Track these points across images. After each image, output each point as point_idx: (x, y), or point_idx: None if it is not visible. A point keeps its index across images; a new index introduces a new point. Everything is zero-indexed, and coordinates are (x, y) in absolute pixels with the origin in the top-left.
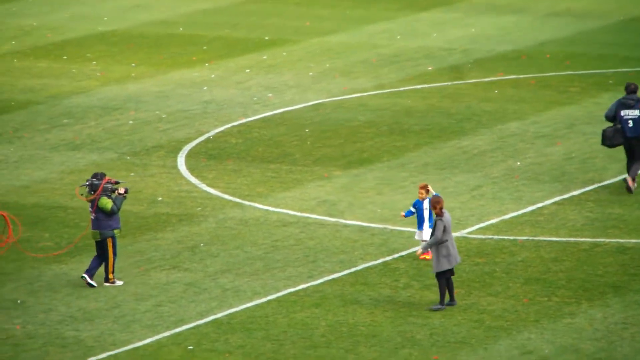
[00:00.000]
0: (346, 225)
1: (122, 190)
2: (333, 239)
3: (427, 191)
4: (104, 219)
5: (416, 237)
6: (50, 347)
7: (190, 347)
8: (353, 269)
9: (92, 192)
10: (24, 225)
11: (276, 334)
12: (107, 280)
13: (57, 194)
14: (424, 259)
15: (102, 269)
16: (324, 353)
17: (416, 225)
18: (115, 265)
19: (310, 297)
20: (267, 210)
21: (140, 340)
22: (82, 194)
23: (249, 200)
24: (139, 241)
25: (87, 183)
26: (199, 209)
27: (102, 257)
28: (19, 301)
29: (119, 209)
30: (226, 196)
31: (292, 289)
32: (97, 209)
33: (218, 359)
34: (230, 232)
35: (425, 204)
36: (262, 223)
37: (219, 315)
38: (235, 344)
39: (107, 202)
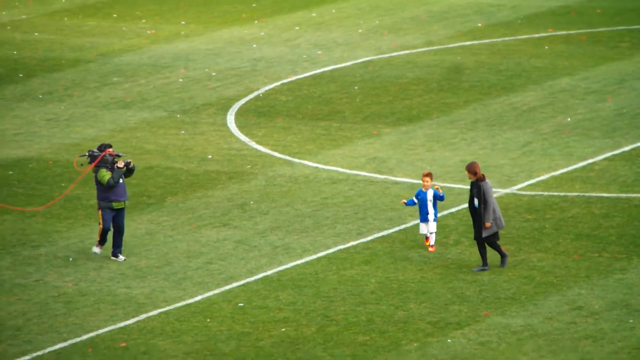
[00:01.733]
0: (396, 183)
1: (120, 164)
2: (382, 196)
3: (432, 179)
4: (101, 191)
5: (421, 231)
6: (101, 304)
7: (241, 304)
8: (403, 226)
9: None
10: (76, 183)
11: (326, 291)
12: (97, 246)
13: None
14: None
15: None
16: (373, 310)
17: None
18: (120, 240)
19: (360, 254)
20: (316, 167)
21: (191, 297)
22: (81, 165)
23: (298, 158)
24: (190, 199)
25: (88, 153)
26: (249, 166)
27: (115, 229)
28: (70, 259)
29: (116, 182)
30: (276, 154)
31: (341, 246)
32: (96, 181)
33: (268, 316)
34: (279, 189)
35: (430, 195)
36: (311, 180)
37: (269, 272)
38: (285, 301)
39: (105, 174)
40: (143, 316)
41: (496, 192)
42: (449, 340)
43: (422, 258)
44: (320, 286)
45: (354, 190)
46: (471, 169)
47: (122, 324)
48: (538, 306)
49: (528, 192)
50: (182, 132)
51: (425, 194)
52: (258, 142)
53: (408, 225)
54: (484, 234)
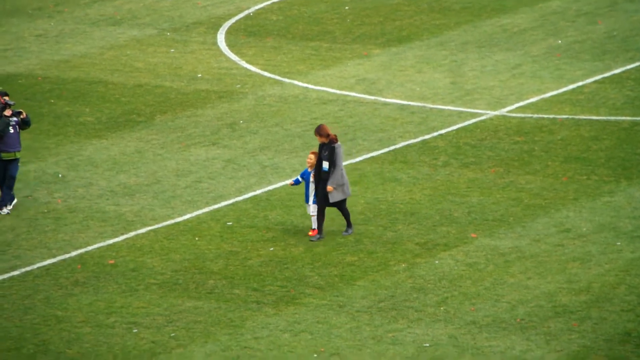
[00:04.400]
0: (385, 104)
1: (8, 113)
2: (372, 117)
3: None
4: None
5: (310, 212)
6: (90, 221)
7: (230, 223)
8: (392, 147)
9: None
10: (64, 100)
11: None
12: None
13: (98, 69)
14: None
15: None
16: (362, 230)
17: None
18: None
19: (349, 175)
20: (306, 87)
21: (180, 215)
22: None
23: (288, 78)
24: (180, 117)
25: None
26: (239, 86)
27: (3, 180)
28: (59, 175)
29: (2, 132)
30: (266, 73)
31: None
32: None
33: (257, 235)
34: (269, 109)
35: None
36: (301, 100)
37: (258, 192)
38: (274, 220)
39: None
40: (132, 234)
41: (485, 114)
42: (436, 262)
43: (411, 179)
44: None
45: (344, 111)
46: (322, 131)
47: (111, 241)
48: (526, 228)
49: (517, 115)
50: (172, 50)
51: (310, 174)
52: (248, 62)
53: (397, 146)
54: (331, 200)
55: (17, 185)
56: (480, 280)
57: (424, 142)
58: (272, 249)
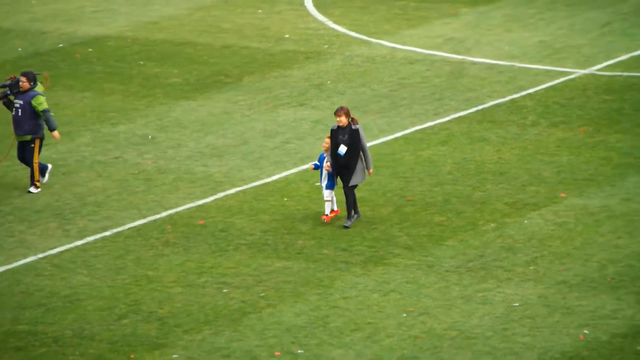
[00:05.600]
0: (473, 63)
1: None
2: (460, 76)
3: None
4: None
5: (327, 197)
6: (180, 182)
7: (318, 184)
8: (480, 107)
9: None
10: (153, 61)
11: (403, 171)
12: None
13: (185, 30)
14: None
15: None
16: (450, 190)
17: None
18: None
19: (437, 135)
20: (393, 47)
21: (268, 176)
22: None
23: (375, 38)
24: (267, 78)
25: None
26: (326, 46)
27: None
28: (149, 137)
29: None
30: (353, 33)
31: (418, 127)
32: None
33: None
34: (356, 69)
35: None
36: (388, 60)
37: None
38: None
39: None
40: (221, 194)
41: (574, 72)
42: (525, 221)
43: (500, 139)
44: (397, 166)
45: (431, 71)
46: (346, 112)
47: (200, 202)
48: (616, 187)
49: (607, 73)
50: (259, 11)
51: (324, 158)
52: (335, 22)
53: (486, 106)
54: (352, 183)
55: (107, 146)
56: (569, 239)
57: (512, 101)
58: (360, 209)
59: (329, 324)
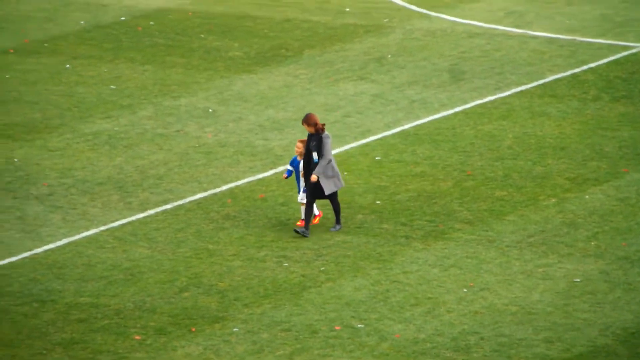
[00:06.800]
0: (534, 37)
1: None
2: (520, 50)
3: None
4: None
5: (301, 200)
6: (240, 155)
7: (378, 158)
8: (541, 81)
9: None
10: (214, 35)
11: (463, 146)
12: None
13: (245, 3)
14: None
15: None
16: (511, 165)
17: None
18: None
19: (497, 109)
20: (453, 21)
21: None
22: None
23: (435, 11)
24: (328, 52)
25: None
26: (386, 20)
27: None
28: (210, 110)
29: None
30: (413, 7)
31: (479, 101)
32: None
33: (405, 170)
34: (417, 43)
35: (302, 165)
36: (449, 34)
37: (406, 126)
38: (422, 155)
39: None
40: (281, 168)
41: (636, 46)
42: (587, 196)
43: (561, 114)
44: (458, 141)
45: (491, 45)
46: (310, 120)
47: (260, 176)
48: None
49: None
50: None
51: (298, 162)
52: None
53: (546, 80)
54: (327, 192)
55: (168, 119)
56: (631, 215)
57: (573, 75)
58: (420, 183)
59: (389, 298)
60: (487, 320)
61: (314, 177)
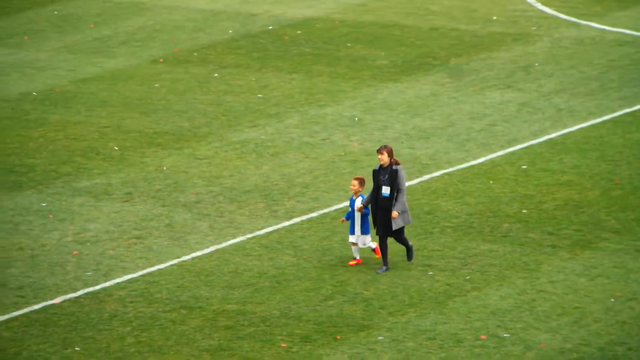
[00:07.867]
0: None
1: None
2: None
3: (362, 184)
4: None
5: (360, 244)
6: None
7: (524, 167)
8: None
9: None
10: (361, 43)
11: (611, 155)
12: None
13: (393, 12)
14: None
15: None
16: None
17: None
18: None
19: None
20: (603, 29)
21: (474, 158)
22: None
23: (584, 20)
24: (474, 60)
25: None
26: (534, 28)
27: None
28: (356, 118)
29: None
30: (561, 15)
31: (628, 109)
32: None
33: (552, 179)
34: (565, 51)
35: (358, 202)
36: (597, 42)
37: (552, 135)
38: (569, 164)
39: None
40: (426, 177)
41: None
42: None
43: None
44: (605, 149)
45: None
46: (390, 151)
47: (407, 184)
48: None
49: None
50: None
51: (353, 201)
52: (543, 4)
53: None
54: (394, 227)
55: (315, 127)
56: None
57: None
58: (567, 192)
59: (535, 308)
60: (635, 331)
61: (395, 214)
